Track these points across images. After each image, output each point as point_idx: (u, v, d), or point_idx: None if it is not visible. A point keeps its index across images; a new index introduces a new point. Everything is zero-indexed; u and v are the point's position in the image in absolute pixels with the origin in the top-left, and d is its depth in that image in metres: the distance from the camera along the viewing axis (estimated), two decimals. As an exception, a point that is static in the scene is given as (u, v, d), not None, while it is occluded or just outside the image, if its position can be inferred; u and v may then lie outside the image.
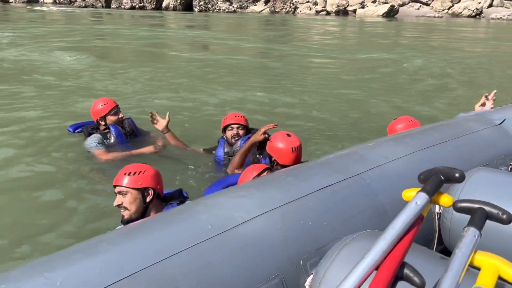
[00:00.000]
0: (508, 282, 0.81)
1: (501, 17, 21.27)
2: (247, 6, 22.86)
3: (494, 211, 0.88)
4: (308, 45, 13.70)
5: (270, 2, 22.98)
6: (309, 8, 22.44)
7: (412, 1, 24.40)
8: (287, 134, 2.78)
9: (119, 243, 1.18)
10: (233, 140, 3.57)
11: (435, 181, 0.92)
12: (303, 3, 22.96)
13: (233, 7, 22.51)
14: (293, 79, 8.03)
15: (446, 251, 1.72)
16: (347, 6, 23.17)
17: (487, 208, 0.88)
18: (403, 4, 24.01)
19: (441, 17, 22.31)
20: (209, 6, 22.35)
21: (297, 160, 2.75)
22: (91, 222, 2.85)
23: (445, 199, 0.93)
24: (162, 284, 1.09)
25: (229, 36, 15.30)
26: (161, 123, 3.79)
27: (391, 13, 22.39)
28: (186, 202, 2.28)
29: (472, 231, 0.84)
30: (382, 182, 1.68)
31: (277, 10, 22.22)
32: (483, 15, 22.38)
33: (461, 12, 22.48)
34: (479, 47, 14.90)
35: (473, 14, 21.99)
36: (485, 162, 2.04)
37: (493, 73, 9.09)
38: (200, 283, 1.14)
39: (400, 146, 1.92)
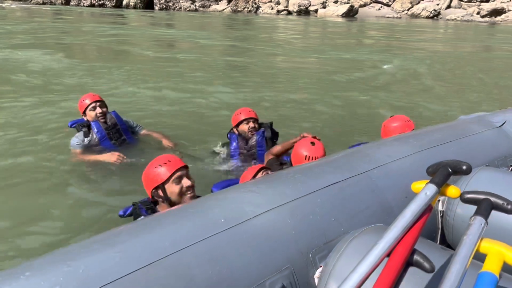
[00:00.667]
0: None
1: (455, 18, 21.87)
2: (209, 5, 22.84)
3: (499, 201, 0.92)
4: (276, 44, 13.65)
5: (232, 1, 22.94)
6: (271, 8, 22.55)
7: (374, 2, 24.64)
8: (312, 143, 2.72)
9: (137, 234, 1.23)
10: (249, 134, 3.61)
11: (443, 173, 0.97)
12: (265, 3, 23.08)
13: (195, 5, 22.40)
14: (263, 77, 8.10)
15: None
16: (309, 6, 23.35)
17: (492, 199, 0.93)
18: (364, 5, 24.32)
19: (400, 17, 22.71)
20: (170, 4, 22.13)
21: None
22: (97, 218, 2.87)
23: (453, 190, 0.98)
24: (178, 273, 1.14)
25: (196, 34, 15.07)
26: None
27: (350, 13, 22.72)
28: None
29: (478, 220, 0.89)
30: (388, 180, 1.72)
31: (239, 9, 22.24)
32: (440, 16, 22.83)
33: (419, 13, 23.03)
34: (450, 47, 14.96)
35: (431, 15, 22.51)
36: (486, 163, 2.09)
37: (474, 75, 9.14)
38: (214, 273, 1.18)
39: (405, 146, 1.97)
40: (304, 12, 22.99)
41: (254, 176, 2.45)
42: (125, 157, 3.49)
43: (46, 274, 1.03)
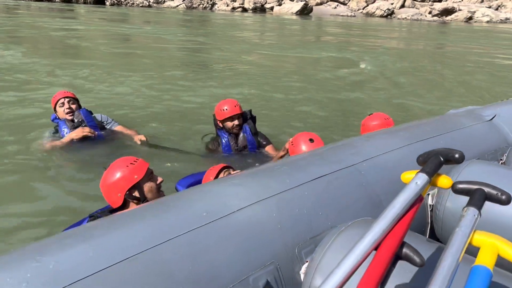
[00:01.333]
0: (508, 261, 0.81)
1: (405, 17, 22.79)
2: (164, 1, 22.69)
3: (493, 191, 0.88)
4: (235, 40, 13.52)
5: None
6: (226, 5, 22.60)
7: (331, 1, 25.06)
8: (310, 139, 2.69)
9: (113, 228, 1.16)
10: (234, 130, 3.52)
11: (435, 162, 0.92)
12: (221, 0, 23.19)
13: (148, 1, 22.19)
14: (228, 72, 8.06)
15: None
16: (265, 3, 23.55)
17: (486, 189, 0.88)
18: (321, 3, 24.66)
19: (355, 16, 23.19)
20: (122, 0, 21.80)
21: None
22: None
23: (445, 180, 0.93)
24: (156, 268, 1.08)
25: (154, 30, 14.77)
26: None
27: (304, 11, 22.99)
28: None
29: (471, 211, 0.84)
30: (376, 173, 1.68)
31: (194, 5, 22.12)
32: (394, 15, 23.53)
33: (374, 12, 23.68)
34: (407, 44, 14.99)
35: (385, 14, 23.27)
36: (477, 156, 2.06)
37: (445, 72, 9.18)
38: (194, 269, 1.12)
39: (394, 139, 1.93)
40: (259, 9, 23.09)
41: (216, 176, 2.36)
42: (95, 132, 3.55)
43: (12, 270, 0.96)
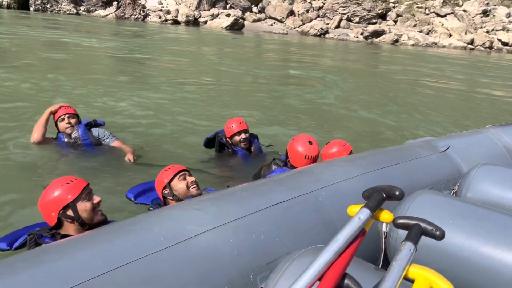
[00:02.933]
0: None
1: (332, 37, 24.37)
2: (95, 10, 22.72)
3: (429, 227, 0.94)
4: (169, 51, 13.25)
5: (120, 8, 22.93)
6: (158, 17, 23.02)
7: (269, 18, 26.27)
8: (309, 141, 2.93)
9: (66, 252, 1.16)
10: (242, 145, 3.82)
11: (377, 198, 0.99)
12: (154, 11, 23.56)
13: (76, 9, 22.00)
14: (162, 82, 8.05)
15: None
16: (199, 17, 24.25)
17: (423, 225, 0.95)
18: (258, 20, 25.69)
19: (287, 33, 24.19)
20: (48, 6, 20.78)
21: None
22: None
23: (386, 216, 0.99)
24: None
25: (85, 38, 14.10)
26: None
27: (235, 26, 23.44)
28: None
29: (408, 245, 0.91)
30: (333, 200, 1.74)
31: (126, 16, 22.26)
32: (328, 34, 25.28)
33: (308, 31, 25.10)
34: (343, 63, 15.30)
35: (318, 33, 24.87)
36: (430, 186, 2.16)
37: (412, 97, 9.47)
38: None
39: (352, 167, 2.00)
40: (192, 22, 23.52)
41: (171, 180, 2.50)
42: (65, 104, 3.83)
43: None
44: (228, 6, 25.72)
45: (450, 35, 27.29)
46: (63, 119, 3.78)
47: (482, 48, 26.59)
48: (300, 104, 7.34)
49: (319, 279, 0.88)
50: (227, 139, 3.86)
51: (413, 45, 25.23)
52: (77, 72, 8.18)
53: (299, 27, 25.36)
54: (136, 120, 5.29)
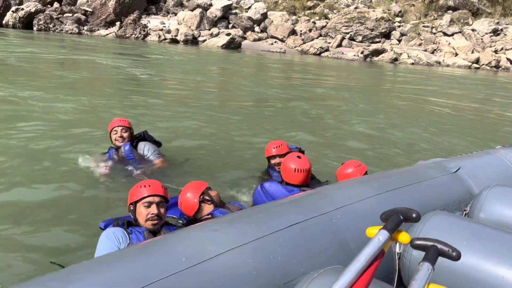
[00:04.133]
0: None
1: (327, 56, 24.58)
2: (97, 29, 23.19)
3: (446, 248, 0.99)
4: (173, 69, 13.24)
5: (122, 28, 23.40)
6: (158, 36, 23.44)
7: (270, 37, 26.29)
8: (298, 156, 3.00)
9: (94, 271, 1.21)
10: (277, 168, 3.82)
11: (395, 220, 1.03)
12: (155, 30, 23.99)
13: (78, 28, 22.28)
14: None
15: None
16: (199, 36, 24.43)
17: (439, 246, 0.99)
18: (259, 39, 25.85)
19: (284, 52, 24.42)
20: (50, 26, 21.42)
21: (301, 181, 2.94)
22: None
23: (404, 237, 1.03)
24: None
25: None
26: None
27: (231, 45, 23.55)
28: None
29: (426, 266, 0.95)
30: (348, 221, 1.78)
31: (127, 35, 22.64)
32: (324, 53, 25.21)
33: (308, 50, 25.20)
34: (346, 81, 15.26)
35: (318, 52, 24.99)
36: (442, 207, 2.19)
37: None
38: None
39: (365, 189, 2.04)
40: (191, 42, 23.94)
41: (202, 194, 2.70)
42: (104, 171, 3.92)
43: None
44: (230, 26, 26.17)
45: (456, 54, 27.35)
46: (116, 131, 3.98)
47: (488, 68, 26.55)
48: (304, 120, 7.44)
49: (341, 299, 0.92)
50: (266, 158, 3.96)
51: (412, 63, 25.26)
52: (120, 92, 8.41)
53: (299, 46, 25.69)
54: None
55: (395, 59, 25.31)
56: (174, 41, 23.33)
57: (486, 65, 26.84)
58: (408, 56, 25.71)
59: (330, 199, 1.88)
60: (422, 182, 2.28)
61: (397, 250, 1.84)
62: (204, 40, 24.15)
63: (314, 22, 27.69)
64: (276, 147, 3.80)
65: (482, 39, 28.40)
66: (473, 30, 28.67)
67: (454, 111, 10.34)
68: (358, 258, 0.96)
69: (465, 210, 2.33)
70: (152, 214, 2.23)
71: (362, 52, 24.96)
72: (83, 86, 8.80)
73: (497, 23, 28.99)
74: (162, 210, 2.28)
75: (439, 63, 26.46)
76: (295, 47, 25.64)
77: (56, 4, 23.50)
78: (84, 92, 7.89)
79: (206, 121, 6.51)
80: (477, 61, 26.95)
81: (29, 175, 3.86)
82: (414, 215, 1.02)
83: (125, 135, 4.01)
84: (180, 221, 2.65)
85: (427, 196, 2.21)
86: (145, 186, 2.30)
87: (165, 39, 23.19)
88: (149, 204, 2.24)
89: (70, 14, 23.05)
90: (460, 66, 26.45)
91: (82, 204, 3.41)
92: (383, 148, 6.04)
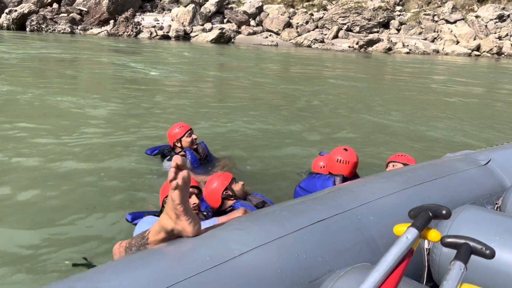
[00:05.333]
0: None
1: (316, 47, 24.25)
2: (91, 28, 23.35)
3: (478, 246, 0.94)
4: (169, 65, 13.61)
5: (115, 26, 23.49)
6: (150, 33, 23.16)
7: (266, 31, 26.00)
8: (345, 149, 3.09)
9: (119, 272, 1.22)
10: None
11: (424, 217, 0.99)
12: (148, 28, 23.76)
13: (71, 28, 22.41)
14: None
15: (436, 287, 1.77)
16: (191, 32, 24.15)
17: (471, 244, 0.95)
18: (254, 33, 25.50)
19: (276, 45, 23.98)
20: (43, 26, 22.03)
21: (344, 172, 3.00)
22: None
23: (433, 234, 0.99)
24: None
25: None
26: None
27: (221, 39, 23.11)
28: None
29: (458, 265, 0.91)
30: (373, 218, 1.74)
31: (119, 33, 22.70)
32: (319, 44, 24.91)
33: (302, 42, 24.95)
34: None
35: (312, 44, 24.73)
36: (472, 200, 2.12)
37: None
38: None
39: (390, 184, 1.99)
40: (183, 37, 23.83)
41: (230, 184, 2.81)
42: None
43: None
44: (225, 20, 26.16)
45: (458, 42, 26.53)
46: (190, 134, 4.10)
47: (489, 55, 25.65)
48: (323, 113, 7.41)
49: (369, 299, 0.89)
50: None
51: (407, 52, 24.67)
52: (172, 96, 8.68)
53: (294, 38, 25.48)
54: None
55: (389, 49, 24.78)
56: (165, 37, 23.63)
57: (487, 52, 25.94)
58: (403, 45, 25.21)
59: (354, 195, 1.84)
60: (451, 176, 2.21)
61: (426, 246, 1.79)
62: (197, 35, 24.30)
63: (311, 14, 27.48)
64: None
65: (486, 25, 27.46)
66: (477, 17, 27.83)
67: (476, 100, 10.09)
68: (385, 258, 0.93)
69: (496, 204, 2.25)
70: (194, 203, 2.40)
71: (357, 43, 24.59)
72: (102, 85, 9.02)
73: (503, 8, 27.98)
74: (198, 201, 2.43)
75: (438, 51, 25.75)
76: (289, 40, 25.51)
77: (55, 5, 24.31)
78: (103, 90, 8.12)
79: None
80: (478, 48, 26.09)
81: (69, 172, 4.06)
82: (444, 212, 0.98)
83: (196, 137, 4.16)
84: (205, 213, 2.68)
85: (456, 190, 2.14)
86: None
87: (156, 35, 23.45)
88: (189, 195, 2.35)
89: (66, 14, 23.72)
90: (460, 54, 25.66)
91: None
92: (408, 141, 5.94)
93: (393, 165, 3.18)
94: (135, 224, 2.59)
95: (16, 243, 2.85)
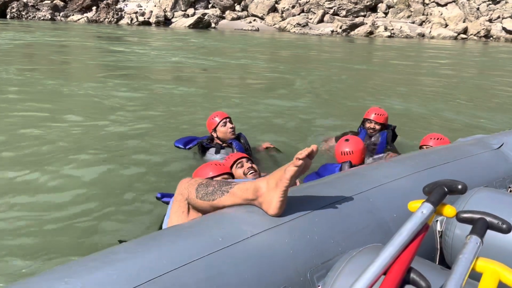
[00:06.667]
0: (508, 286, 0.86)
1: (294, 31, 24.03)
2: (72, 15, 23.03)
3: (495, 221, 0.93)
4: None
5: (96, 12, 23.28)
6: (130, 19, 22.93)
7: (251, 16, 25.67)
8: (346, 140, 3.10)
9: (134, 252, 1.23)
10: (369, 132, 4.08)
11: (439, 192, 0.98)
12: (130, 14, 23.48)
13: (51, 15, 22.35)
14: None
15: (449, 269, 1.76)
16: (172, 17, 23.84)
17: (488, 218, 0.94)
18: (238, 18, 25.11)
19: (257, 30, 23.52)
20: (23, 13, 22.10)
21: (354, 161, 3.02)
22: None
23: (449, 210, 0.99)
24: None
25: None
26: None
27: (199, 24, 22.70)
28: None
29: (474, 239, 0.90)
30: (385, 200, 1.73)
31: (101, 19, 22.45)
32: (296, 29, 24.50)
33: (285, 27, 24.56)
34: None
35: (295, 29, 24.41)
36: (485, 184, 2.10)
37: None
38: None
39: (402, 167, 1.98)
40: (163, 23, 23.51)
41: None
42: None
43: None
44: (210, 5, 25.86)
45: (447, 25, 26.01)
46: (225, 123, 3.85)
47: (476, 38, 25.13)
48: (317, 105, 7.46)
49: (384, 274, 0.89)
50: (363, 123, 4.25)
51: (389, 36, 24.26)
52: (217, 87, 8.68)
53: (278, 23, 25.16)
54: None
55: (371, 33, 24.40)
56: (146, 23, 23.52)
57: (474, 35, 25.42)
58: (385, 29, 24.79)
59: (366, 178, 1.83)
60: (463, 159, 2.19)
61: (438, 228, 1.78)
62: (176, 21, 24.18)
63: None
64: (377, 114, 4.04)
65: (478, 8, 26.85)
66: None
67: (480, 84, 10.00)
68: (400, 232, 0.93)
69: (509, 187, 2.23)
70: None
71: (341, 27, 24.24)
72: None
73: (499, -12, 27.35)
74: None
75: (423, 35, 25.32)
76: (274, 25, 25.24)
77: (41, -7, 24.48)
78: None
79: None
80: (465, 31, 25.53)
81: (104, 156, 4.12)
82: (460, 187, 0.97)
83: (234, 126, 3.92)
84: None
85: (468, 174, 2.12)
86: (216, 165, 2.50)
87: (137, 21, 23.38)
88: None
89: (49, 1, 23.71)
90: (445, 37, 25.17)
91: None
92: (419, 126, 5.90)
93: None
94: (164, 202, 2.60)
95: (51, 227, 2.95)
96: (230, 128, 3.84)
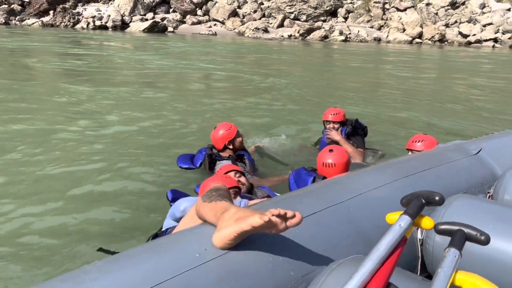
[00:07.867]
0: None
1: (248, 35, 24.57)
2: (28, 19, 22.86)
3: (473, 232, 0.92)
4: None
5: (54, 16, 22.94)
6: (86, 23, 22.99)
7: (212, 21, 26.09)
8: (330, 150, 2.98)
9: (106, 271, 1.18)
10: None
11: (417, 204, 0.97)
12: (87, 18, 23.53)
13: (6, 19, 22.28)
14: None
15: (430, 278, 1.75)
16: (130, 21, 24.02)
17: (466, 230, 0.93)
18: (199, 22, 25.50)
19: (214, 34, 23.84)
20: None
21: (332, 175, 2.82)
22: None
23: (427, 222, 0.97)
24: None
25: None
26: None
27: (154, 28, 22.90)
28: None
29: (452, 252, 0.88)
30: (365, 210, 1.72)
31: (56, 24, 22.18)
32: (251, 33, 24.99)
33: (244, 31, 25.01)
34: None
35: (253, 34, 24.90)
36: (464, 190, 2.11)
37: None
38: None
39: (382, 175, 1.97)
40: (120, 27, 23.48)
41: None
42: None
43: None
44: (171, 10, 25.98)
45: (404, 30, 26.71)
46: (239, 134, 3.83)
47: (430, 42, 25.85)
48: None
49: (363, 289, 0.87)
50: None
51: (344, 40, 24.73)
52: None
53: (238, 27, 25.44)
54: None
55: (325, 37, 24.84)
56: (103, 27, 23.42)
57: (428, 39, 26.14)
58: (340, 33, 25.28)
59: (346, 187, 1.82)
60: (442, 166, 2.20)
61: (419, 236, 1.77)
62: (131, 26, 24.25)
63: (261, 3, 27.16)
64: (333, 114, 4.25)
65: (437, 13, 27.61)
66: (427, 4, 27.91)
67: (461, 89, 10.18)
68: (378, 246, 0.91)
69: (488, 193, 2.24)
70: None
71: (298, 31, 24.64)
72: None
73: (459, -6, 28.27)
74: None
75: (379, 39, 25.95)
76: (234, 29, 25.47)
77: (-1, -3, 24.16)
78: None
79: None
80: (420, 36, 26.25)
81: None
82: (437, 198, 0.95)
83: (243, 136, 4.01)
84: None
85: (448, 180, 2.13)
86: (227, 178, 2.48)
87: (94, 26, 23.25)
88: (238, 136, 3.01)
89: (6, 6, 23.55)
90: (401, 41, 25.84)
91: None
92: (395, 132, 5.95)
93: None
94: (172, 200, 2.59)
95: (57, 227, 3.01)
96: (242, 138, 3.88)
